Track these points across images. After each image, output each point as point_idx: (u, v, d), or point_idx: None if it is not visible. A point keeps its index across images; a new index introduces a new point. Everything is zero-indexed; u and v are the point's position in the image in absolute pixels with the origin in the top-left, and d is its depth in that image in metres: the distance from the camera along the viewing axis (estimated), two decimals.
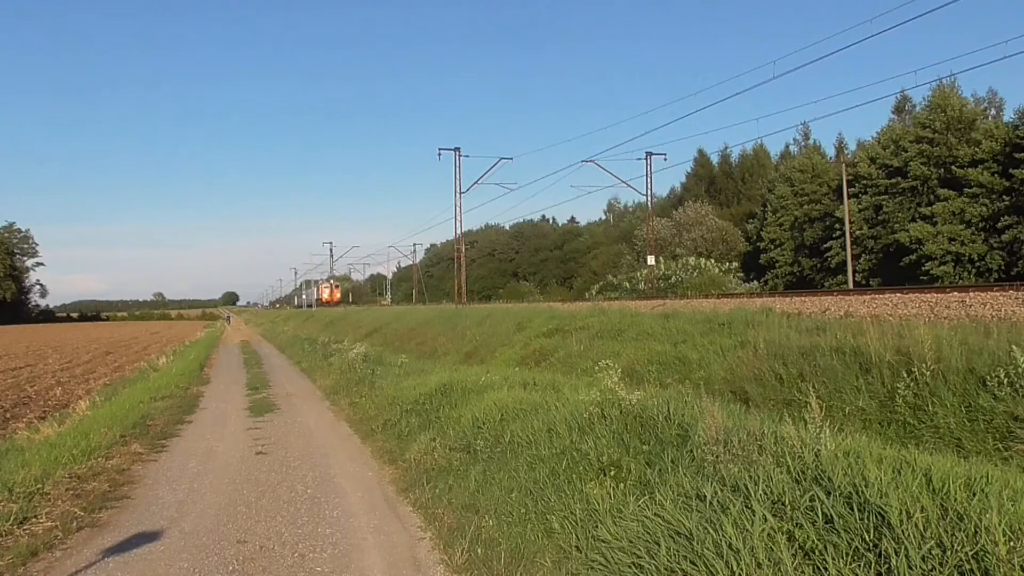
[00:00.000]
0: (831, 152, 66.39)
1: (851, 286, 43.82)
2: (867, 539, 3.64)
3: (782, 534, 3.89)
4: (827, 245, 53.62)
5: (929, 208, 45.57)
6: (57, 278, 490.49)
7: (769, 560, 3.75)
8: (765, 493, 4.30)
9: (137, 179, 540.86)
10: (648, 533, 4.46)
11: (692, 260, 53.05)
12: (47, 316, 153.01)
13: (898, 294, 15.12)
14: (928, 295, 14.03)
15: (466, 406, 9.65)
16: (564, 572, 4.87)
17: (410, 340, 28.37)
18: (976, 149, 43.72)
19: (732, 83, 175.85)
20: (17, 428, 14.87)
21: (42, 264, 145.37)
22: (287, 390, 18.89)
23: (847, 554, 3.61)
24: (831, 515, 3.88)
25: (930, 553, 3.40)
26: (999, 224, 42.00)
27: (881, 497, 3.86)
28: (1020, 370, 6.56)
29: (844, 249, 47.85)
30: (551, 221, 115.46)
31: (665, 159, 50.36)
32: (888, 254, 48.57)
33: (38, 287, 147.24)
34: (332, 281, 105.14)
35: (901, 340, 8.18)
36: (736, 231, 66.18)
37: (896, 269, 46.45)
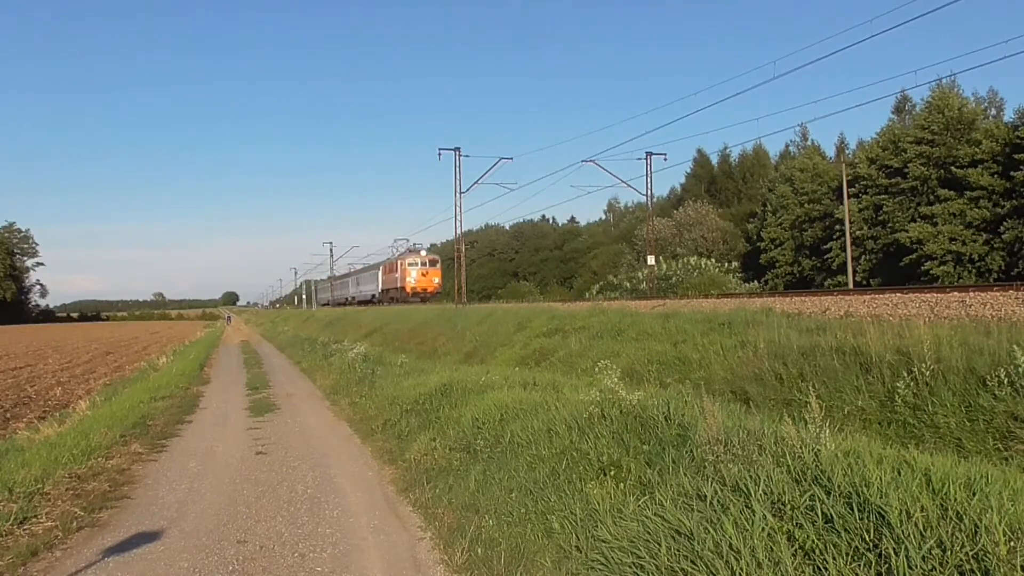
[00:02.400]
0: (831, 152, 66.45)
1: (851, 286, 43.82)
2: (867, 539, 3.64)
3: (782, 534, 3.89)
4: (827, 245, 53.63)
5: (929, 208, 45.57)
6: (57, 278, 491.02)
7: (769, 560, 3.75)
8: (765, 493, 4.30)
9: (137, 179, 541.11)
10: (648, 533, 4.46)
11: (692, 260, 53.06)
12: (47, 316, 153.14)
13: (898, 294, 15.10)
14: (928, 295, 14.01)
15: (466, 406, 9.65)
16: (564, 572, 4.87)
17: (410, 340, 28.34)
18: (976, 149, 43.71)
19: (732, 83, 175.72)
20: (17, 428, 14.89)
21: (42, 264, 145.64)
22: (287, 390, 18.89)
23: (847, 554, 3.61)
24: (831, 515, 3.88)
25: (930, 553, 3.40)
26: (1000, 226, 42.00)
27: (881, 497, 3.86)
28: (1020, 370, 6.56)
29: (844, 249, 47.87)
30: (551, 221, 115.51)
31: (665, 159, 50.14)
32: (888, 254, 48.57)
33: (38, 287, 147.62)
34: (424, 254, 58.64)
35: (901, 340, 8.17)
36: (736, 231, 66.21)
37: (896, 269, 46.45)
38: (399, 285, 57.22)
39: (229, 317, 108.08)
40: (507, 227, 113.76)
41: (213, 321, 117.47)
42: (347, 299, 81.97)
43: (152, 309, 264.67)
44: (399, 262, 58.65)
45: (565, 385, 10.36)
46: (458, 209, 43.51)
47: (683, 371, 11.15)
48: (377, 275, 66.31)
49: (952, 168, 44.88)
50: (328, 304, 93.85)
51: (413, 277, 55.98)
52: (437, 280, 57.15)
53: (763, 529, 3.95)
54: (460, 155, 43.55)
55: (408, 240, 64.15)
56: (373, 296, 67.27)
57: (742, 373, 9.83)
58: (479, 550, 5.68)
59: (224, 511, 7.47)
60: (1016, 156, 41.20)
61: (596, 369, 8.10)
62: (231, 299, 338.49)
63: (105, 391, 20.46)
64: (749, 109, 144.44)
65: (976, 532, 3.42)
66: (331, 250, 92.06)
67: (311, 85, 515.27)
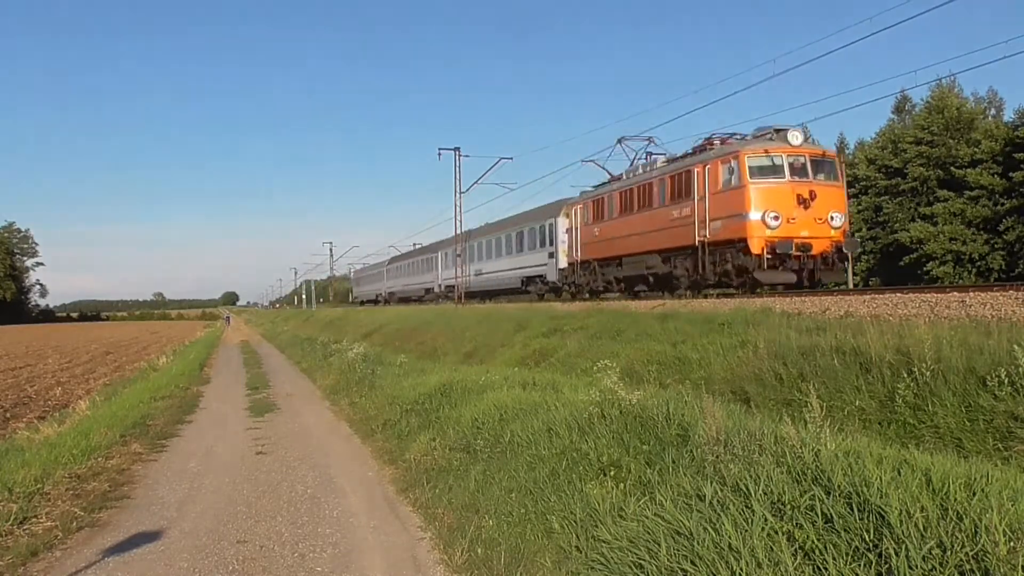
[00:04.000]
0: None
1: (851, 286, 43.81)
2: (867, 539, 3.64)
3: (782, 534, 3.88)
4: None
5: (929, 208, 45.57)
6: (57, 278, 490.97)
7: (769, 560, 3.75)
8: (765, 493, 4.29)
9: (137, 179, 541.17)
10: (648, 533, 4.46)
11: None
12: (47, 316, 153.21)
13: (898, 294, 15.07)
14: (928, 295, 13.99)
15: (466, 406, 9.65)
16: (564, 572, 4.87)
17: (410, 340, 28.33)
18: (976, 149, 43.72)
19: (732, 83, 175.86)
20: (17, 428, 14.87)
21: (42, 264, 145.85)
22: (287, 390, 18.89)
23: (847, 554, 3.61)
24: (831, 515, 3.88)
25: (930, 553, 3.39)
26: (1000, 225, 41.99)
27: (881, 497, 3.86)
28: (1020, 370, 6.55)
29: None
30: None
31: None
32: (888, 254, 48.56)
33: (38, 287, 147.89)
34: (801, 142, 19.46)
35: (901, 340, 8.16)
36: None
37: (896, 269, 46.44)
38: (724, 236, 19.22)
39: (228, 317, 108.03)
40: None
41: (213, 321, 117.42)
42: (435, 288, 47.72)
43: (152, 309, 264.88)
44: (719, 166, 19.62)
45: (565, 385, 10.35)
46: (458, 209, 43.39)
47: (683, 371, 11.14)
48: (567, 226, 29.02)
49: (952, 168, 44.88)
50: (378, 300, 63.81)
51: (775, 214, 18.17)
52: (840, 218, 19.43)
53: (763, 529, 3.95)
54: (460, 155, 43.29)
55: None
56: (539, 278, 32.05)
57: (742, 373, 9.82)
58: (479, 550, 5.68)
59: (224, 511, 7.47)
60: (1016, 156, 41.21)
61: (596, 369, 8.10)
62: (231, 299, 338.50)
63: (105, 391, 20.46)
64: (749, 108, 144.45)
65: (976, 532, 3.42)
66: (331, 250, 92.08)
67: (311, 86, 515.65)
